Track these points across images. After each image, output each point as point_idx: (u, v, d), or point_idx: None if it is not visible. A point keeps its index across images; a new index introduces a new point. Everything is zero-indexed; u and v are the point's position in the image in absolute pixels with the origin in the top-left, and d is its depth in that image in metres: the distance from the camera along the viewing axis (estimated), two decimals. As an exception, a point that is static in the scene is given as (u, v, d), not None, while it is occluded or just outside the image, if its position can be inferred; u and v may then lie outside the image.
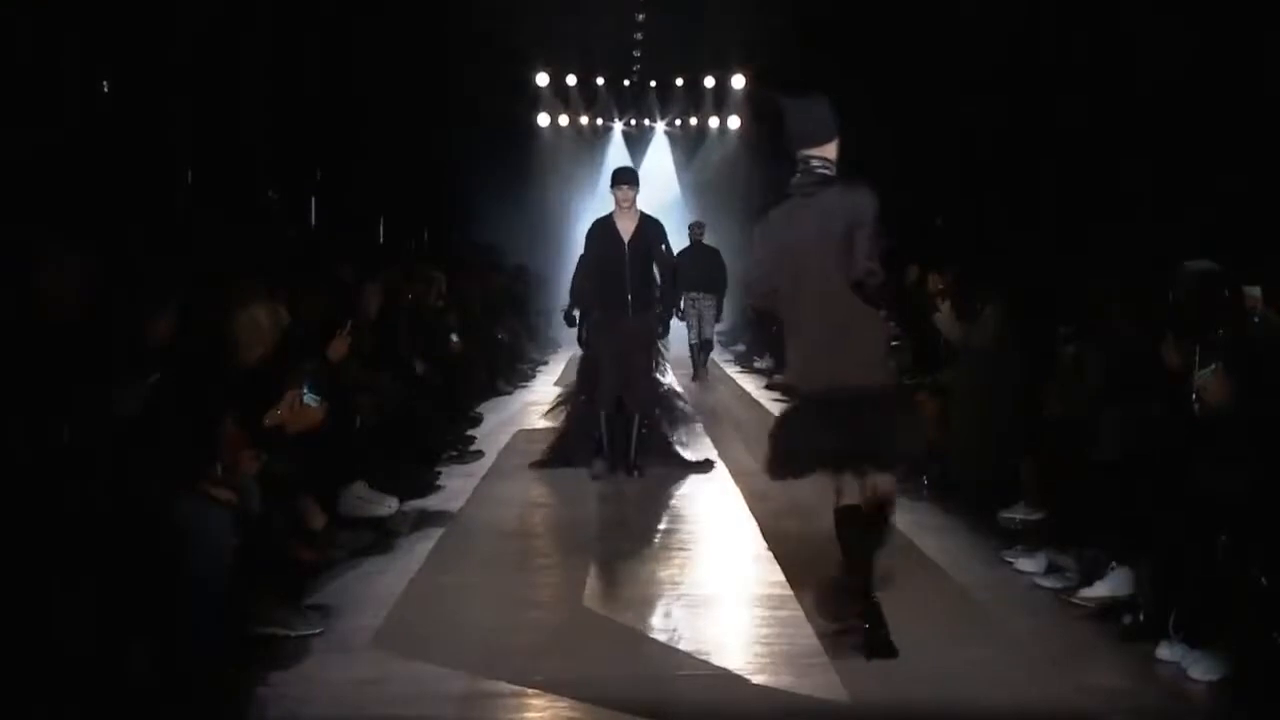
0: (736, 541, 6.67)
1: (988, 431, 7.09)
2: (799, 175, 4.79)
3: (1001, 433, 6.91)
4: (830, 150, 4.78)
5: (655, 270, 8.28)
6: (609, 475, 8.21)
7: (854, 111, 5.08)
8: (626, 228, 8.18)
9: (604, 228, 8.24)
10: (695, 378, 14.35)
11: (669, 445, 8.70)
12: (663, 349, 8.90)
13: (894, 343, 6.04)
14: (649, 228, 8.24)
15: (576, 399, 8.81)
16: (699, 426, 9.46)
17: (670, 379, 9.61)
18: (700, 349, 14.75)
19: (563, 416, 8.91)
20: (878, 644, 4.67)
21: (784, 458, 4.80)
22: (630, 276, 8.13)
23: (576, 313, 8.84)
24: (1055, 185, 10.83)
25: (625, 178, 8.28)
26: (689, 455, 8.77)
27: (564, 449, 8.62)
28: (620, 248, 8.13)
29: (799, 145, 4.82)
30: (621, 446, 8.31)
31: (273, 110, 11.05)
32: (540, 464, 8.59)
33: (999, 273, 8.16)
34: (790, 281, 4.72)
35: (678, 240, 11.52)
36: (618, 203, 8.21)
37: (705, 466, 8.63)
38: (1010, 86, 11.38)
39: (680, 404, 9.19)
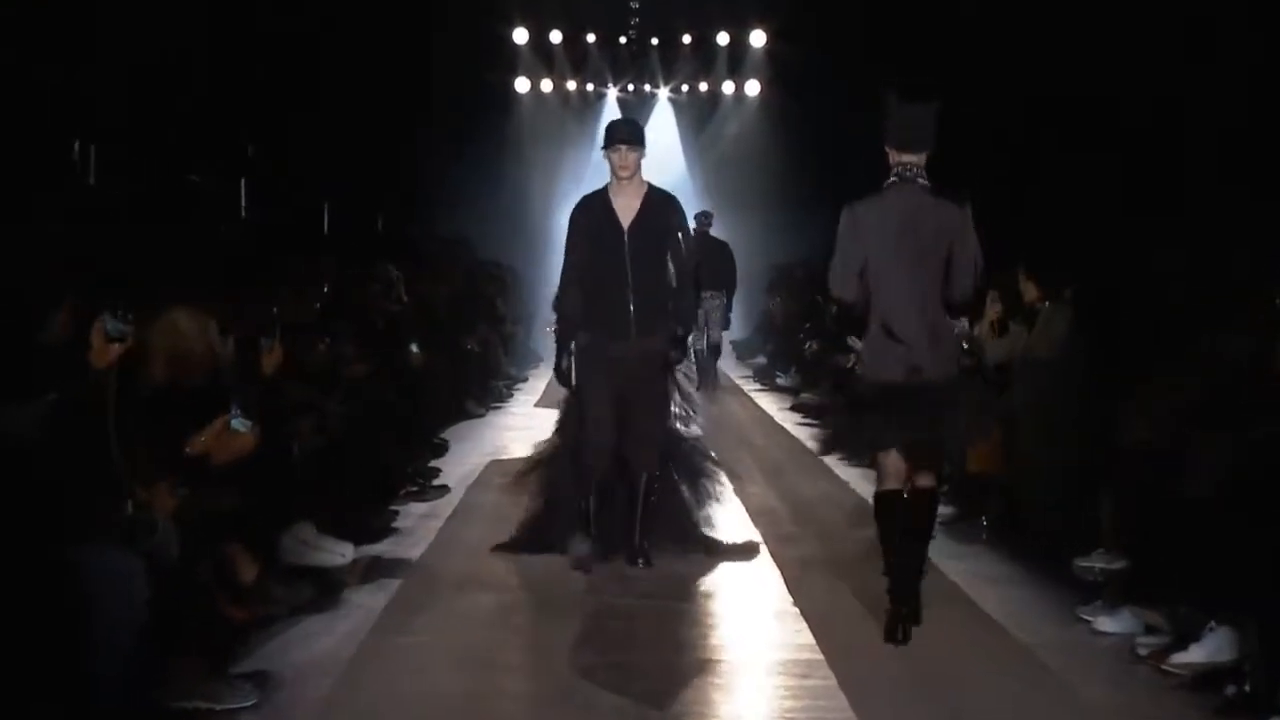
0: (755, 596, 6.69)
1: (1056, 462, 7.11)
2: (894, 178, 5.92)
3: (1072, 463, 6.94)
4: (924, 158, 5.93)
5: (670, 270, 7.07)
6: (599, 562, 6.99)
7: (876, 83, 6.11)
8: (627, 207, 7.00)
9: (594, 209, 7.05)
10: (701, 386, 14.49)
11: (690, 522, 7.43)
12: (685, 379, 7.77)
13: (965, 345, 6.89)
14: (661, 208, 7.04)
15: (559, 459, 7.50)
16: (722, 476, 7.94)
17: (695, 428, 8.03)
18: (709, 354, 15.18)
19: (540, 483, 7.58)
20: (891, 627, 5.72)
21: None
22: (634, 280, 6.94)
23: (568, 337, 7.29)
24: (1113, 176, 11.33)
25: (624, 134, 7.05)
26: (719, 536, 7.50)
27: (541, 527, 7.39)
28: (618, 237, 6.94)
29: (900, 148, 5.92)
30: (622, 523, 7.09)
31: (192, 70, 11.11)
32: (508, 547, 7.37)
33: (1058, 269, 8.17)
34: (875, 278, 5.91)
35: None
36: (614, 171, 7.01)
37: (745, 551, 7.38)
38: (1059, 68, 11.92)
39: (709, 464, 7.77)
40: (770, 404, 14.52)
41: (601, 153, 7.11)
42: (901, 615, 5.74)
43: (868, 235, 5.90)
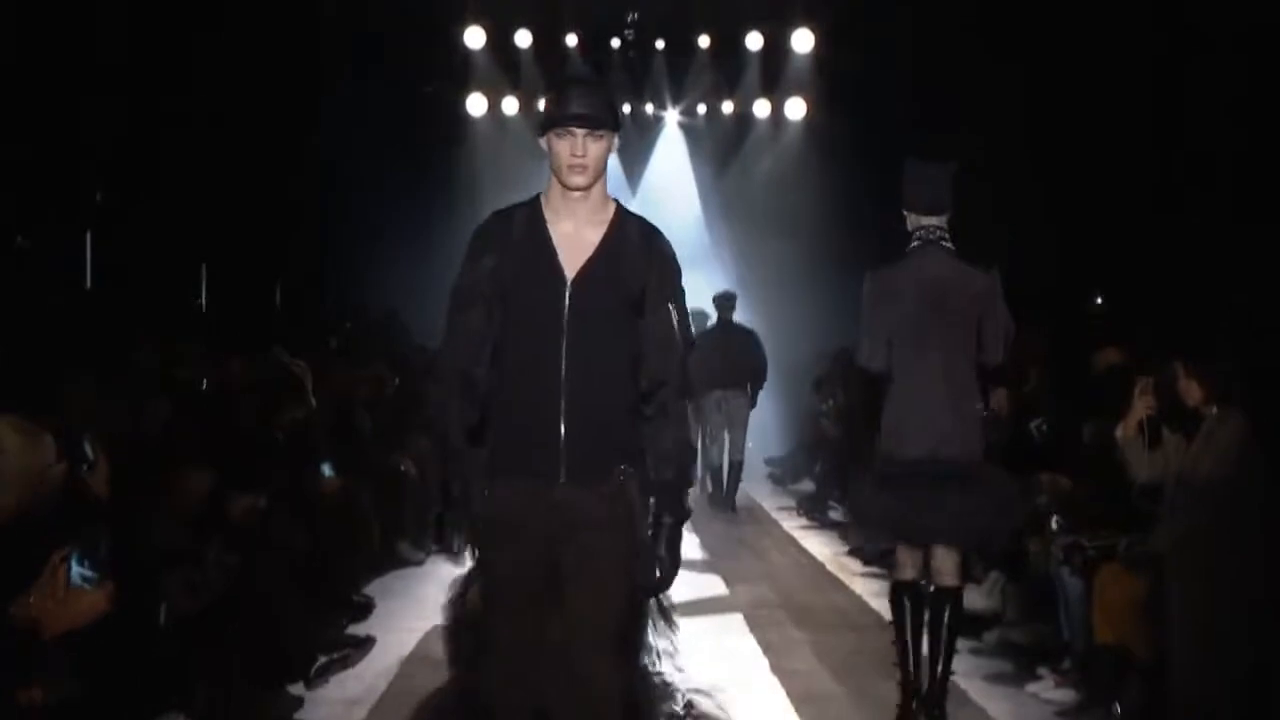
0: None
1: (1228, 630, 7.07)
2: (917, 241, 7.56)
3: (1254, 632, 6.90)
4: (945, 220, 7.59)
5: (649, 359, 5.58)
6: None
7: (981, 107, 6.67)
8: (576, 241, 5.61)
9: (516, 238, 5.64)
10: (715, 501, 15.35)
11: None
12: (656, 588, 5.74)
13: (984, 413, 8.50)
14: (636, 248, 5.62)
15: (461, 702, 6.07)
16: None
17: (673, 672, 6.29)
18: (730, 472, 16.18)
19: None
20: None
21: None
22: (570, 373, 5.47)
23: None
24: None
25: (582, 103, 5.58)
26: None
27: None
28: (553, 293, 5.52)
29: (920, 211, 7.58)
30: None
31: (24, 90, 11.21)
32: None
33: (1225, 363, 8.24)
34: (898, 347, 7.50)
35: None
36: (559, 172, 5.58)
37: None
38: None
39: None
40: (821, 546, 14.45)
41: (540, 140, 5.63)
42: (912, 712, 7.51)
43: (892, 302, 7.52)
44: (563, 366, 5.48)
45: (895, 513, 7.73)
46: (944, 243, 7.62)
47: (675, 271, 5.69)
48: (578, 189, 5.57)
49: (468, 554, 5.82)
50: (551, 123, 5.57)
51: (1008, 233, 16.17)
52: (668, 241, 5.71)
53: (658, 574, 5.55)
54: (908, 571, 7.83)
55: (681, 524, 5.61)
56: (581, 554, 5.49)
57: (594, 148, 5.52)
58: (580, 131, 5.52)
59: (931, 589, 7.77)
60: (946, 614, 7.71)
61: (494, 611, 5.66)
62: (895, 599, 7.87)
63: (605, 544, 5.50)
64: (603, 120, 5.56)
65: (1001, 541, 8.59)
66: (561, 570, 5.51)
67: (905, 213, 7.68)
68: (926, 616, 7.77)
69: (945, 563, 7.75)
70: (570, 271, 5.54)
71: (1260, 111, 12.96)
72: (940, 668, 7.71)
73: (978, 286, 7.58)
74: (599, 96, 5.67)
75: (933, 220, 7.60)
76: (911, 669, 7.77)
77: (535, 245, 5.59)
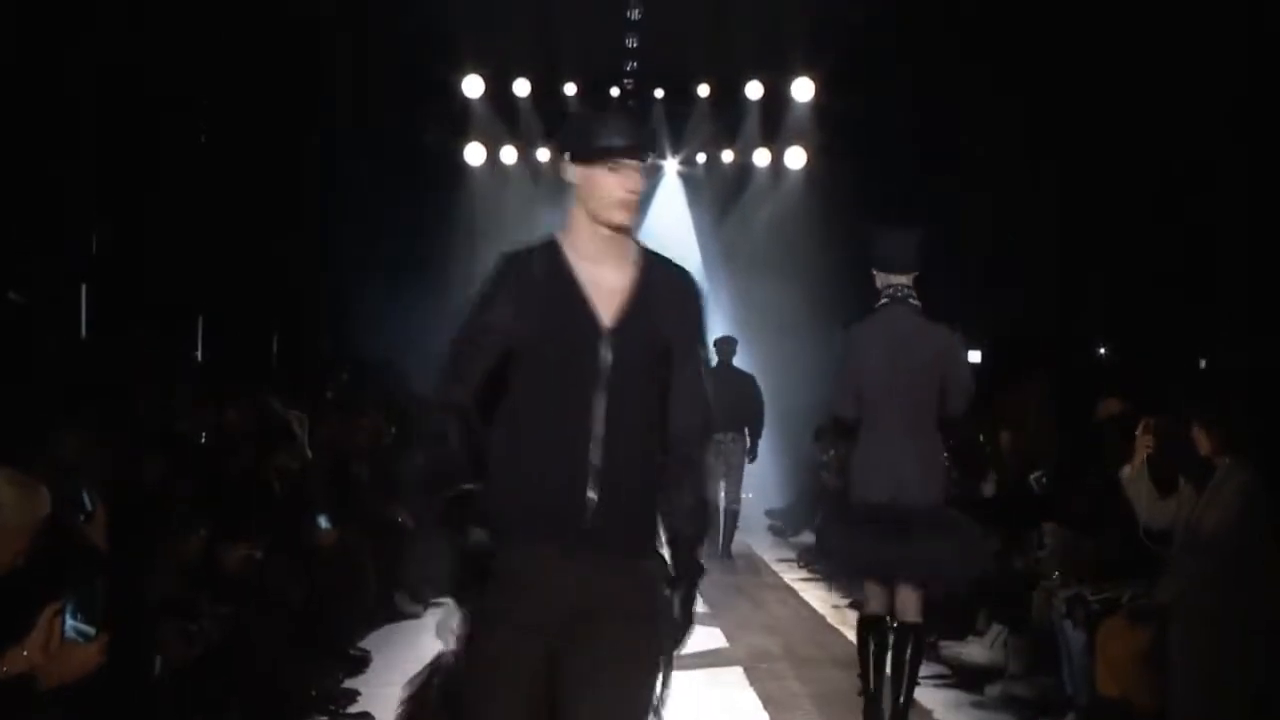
0: None
1: (1231, 680, 7.06)
2: (886, 300, 8.25)
3: (1256, 683, 6.88)
4: (912, 279, 8.27)
5: (678, 414, 5.03)
6: None
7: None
8: (611, 287, 4.98)
9: (540, 279, 4.99)
10: (710, 550, 15.08)
11: None
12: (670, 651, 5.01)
13: (946, 462, 8.96)
14: (667, 292, 5.05)
15: None
16: None
17: None
18: (726, 521, 16.28)
19: None
20: None
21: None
22: (608, 432, 4.84)
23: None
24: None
25: (633, 132, 5.02)
26: None
27: None
28: (588, 344, 4.90)
29: (888, 270, 8.27)
30: None
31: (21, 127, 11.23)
32: None
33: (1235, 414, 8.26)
34: (867, 397, 8.23)
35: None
36: (599, 210, 4.96)
37: None
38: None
39: None
40: (822, 598, 14.40)
41: (570, 168, 5.00)
42: None
43: (862, 356, 8.27)
44: (596, 425, 4.82)
45: (861, 549, 8.45)
46: (910, 300, 8.30)
47: (705, 315, 5.14)
48: (622, 228, 4.95)
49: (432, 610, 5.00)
50: (596, 153, 4.89)
51: (1012, 279, 16.27)
52: (696, 281, 5.16)
53: (674, 638, 4.94)
54: (873, 606, 8.48)
55: (697, 583, 5.00)
56: (604, 649, 4.78)
57: (644, 182, 4.94)
58: (633, 163, 4.90)
59: (895, 625, 8.34)
60: (909, 649, 8.28)
61: (478, 687, 4.89)
62: (861, 633, 8.52)
63: (636, 641, 4.83)
64: (648, 151, 5.05)
65: (965, 583, 9.08)
66: (571, 670, 4.79)
67: (874, 272, 8.37)
68: (890, 651, 8.35)
69: (909, 600, 8.31)
70: (607, 318, 4.89)
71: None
72: (902, 698, 8.29)
73: (941, 343, 8.32)
74: (645, 125, 5.29)
75: (901, 279, 8.27)
76: (876, 697, 8.34)
77: (561, 292, 4.92)
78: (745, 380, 16.85)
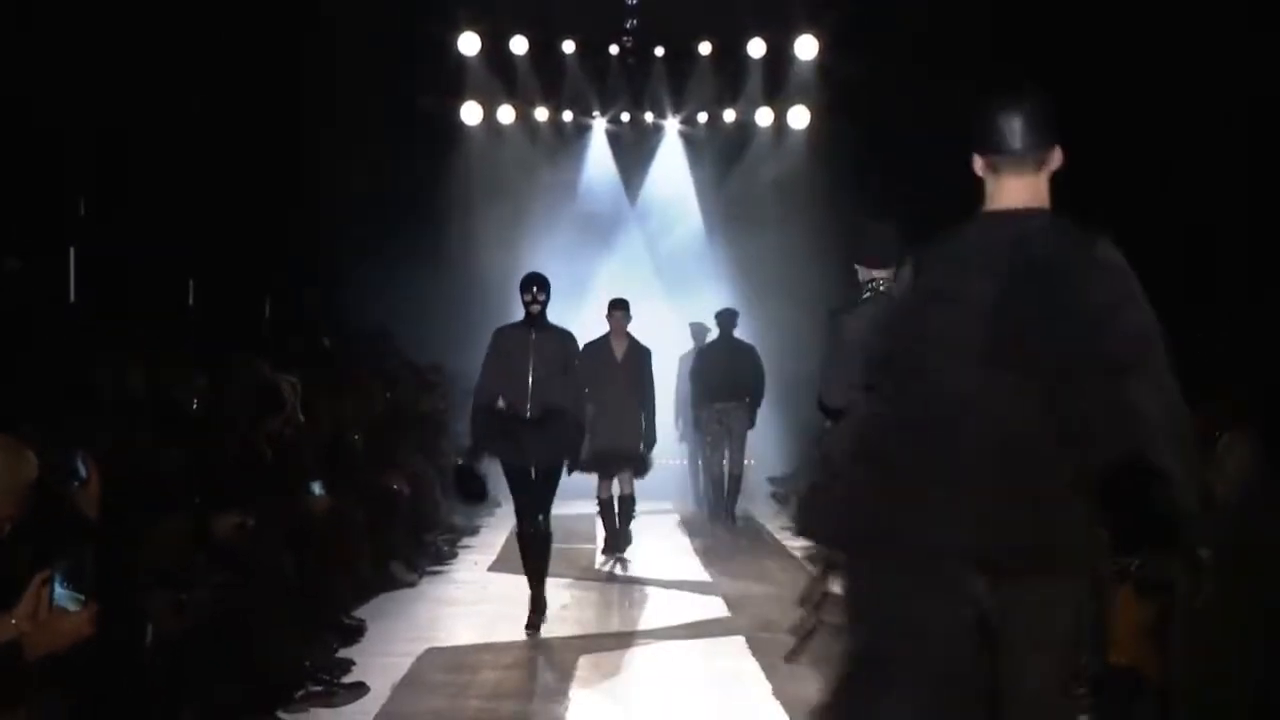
0: None
1: (1239, 653, 7.03)
2: (868, 293, 8.50)
3: (1265, 655, 6.86)
4: (893, 274, 7.93)
5: None
6: None
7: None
8: None
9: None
10: (715, 512, 16.42)
11: None
12: None
13: None
14: None
15: None
16: None
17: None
18: (729, 484, 17.12)
19: None
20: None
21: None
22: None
23: None
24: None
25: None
26: None
27: None
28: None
29: (870, 264, 8.54)
30: None
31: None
32: None
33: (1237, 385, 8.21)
34: (853, 389, 7.74)
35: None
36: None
37: None
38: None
39: None
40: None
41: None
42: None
43: (846, 348, 7.99)
44: None
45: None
46: (892, 294, 8.65)
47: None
48: None
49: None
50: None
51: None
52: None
53: None
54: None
55: None
56: None
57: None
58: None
59: None
60: None
61: None
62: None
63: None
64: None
65: None
66: None
67: (856, 265, 8.67)
68: None
69: None
70: None
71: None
72: None
73: None
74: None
75: (881, 273, 8.42)
76: None
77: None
78: (746, 351, 17.36)
